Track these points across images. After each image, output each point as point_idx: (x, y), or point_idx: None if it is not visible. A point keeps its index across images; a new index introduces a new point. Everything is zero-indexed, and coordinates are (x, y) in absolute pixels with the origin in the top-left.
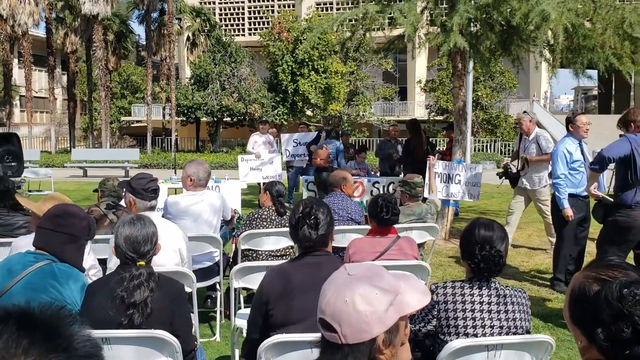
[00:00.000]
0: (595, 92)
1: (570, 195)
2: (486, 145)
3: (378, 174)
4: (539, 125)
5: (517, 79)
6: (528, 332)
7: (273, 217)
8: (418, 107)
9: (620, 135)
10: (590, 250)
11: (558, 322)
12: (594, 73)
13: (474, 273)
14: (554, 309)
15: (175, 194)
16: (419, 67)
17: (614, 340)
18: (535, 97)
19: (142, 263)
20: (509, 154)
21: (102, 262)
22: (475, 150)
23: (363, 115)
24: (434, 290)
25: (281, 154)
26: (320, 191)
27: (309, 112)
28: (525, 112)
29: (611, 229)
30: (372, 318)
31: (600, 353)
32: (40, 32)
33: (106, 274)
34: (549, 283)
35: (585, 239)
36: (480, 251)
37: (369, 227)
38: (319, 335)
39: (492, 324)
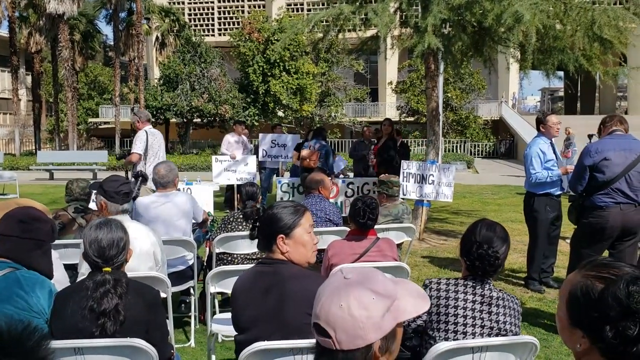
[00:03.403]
0: (561, 93)
1: (544, 195)
2: (456, 146)
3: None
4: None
5: (488, 80)
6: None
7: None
8: (389, 108)
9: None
10: (562, 249)
11: (534, 322)
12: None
13: (469, 271)
14: (529, 308)
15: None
16: (390, 68)
17: (621, 338)
18: (504, 98)
19: (108, 269)
20: (478, 155)
21: (71, 268)
22: (445, 151)
23: (335, 116)
24: (428, 284)
25: (256, 153)
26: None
27: (280, 113)
28: (134, 113)
29: (585, 231)
30: (367, 324)
31: (603, 355)
32: (3, 31)
33: (78, 280)
34: (523, 282)
35: (558, 237)
36: (477, 249)
37: (346, 228)
38: (301, 342)
39: (482, 324)
